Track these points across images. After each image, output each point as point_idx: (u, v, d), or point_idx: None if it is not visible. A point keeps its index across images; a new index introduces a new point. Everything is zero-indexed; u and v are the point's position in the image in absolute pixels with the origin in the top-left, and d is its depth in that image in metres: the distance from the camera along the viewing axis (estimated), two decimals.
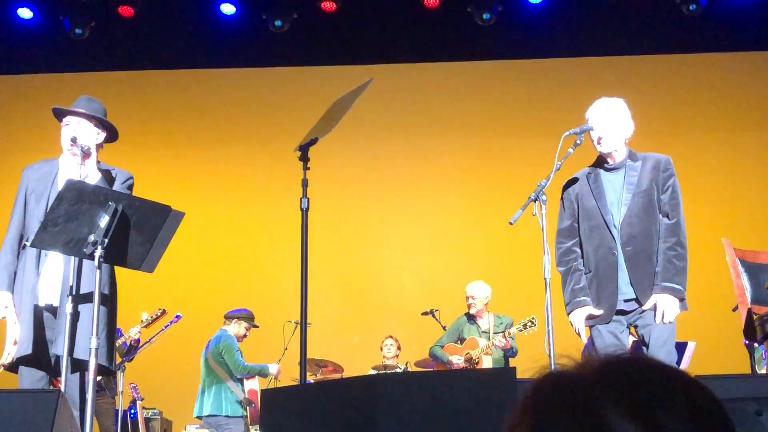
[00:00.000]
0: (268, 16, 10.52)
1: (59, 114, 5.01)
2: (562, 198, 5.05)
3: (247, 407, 8.38)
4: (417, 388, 2.86)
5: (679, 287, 4.59)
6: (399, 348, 9.65)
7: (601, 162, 4.94)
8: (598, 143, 4.87)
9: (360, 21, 10.88)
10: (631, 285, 4.67)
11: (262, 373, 8.64)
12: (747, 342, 5.82)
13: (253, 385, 8.65)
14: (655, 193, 4.77)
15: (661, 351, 4.49)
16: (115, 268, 4.82)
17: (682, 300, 4.60)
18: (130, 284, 9.06)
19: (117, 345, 7.95)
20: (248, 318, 8.81)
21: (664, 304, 4.56)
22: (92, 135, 4.95)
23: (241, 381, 8.56)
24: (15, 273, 4.74)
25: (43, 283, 4.66)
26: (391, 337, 9.72)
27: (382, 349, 9.63)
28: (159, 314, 8.43)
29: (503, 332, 8.13)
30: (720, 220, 10.03)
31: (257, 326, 8.89)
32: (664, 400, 1.00)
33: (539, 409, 1.05)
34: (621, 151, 4.88)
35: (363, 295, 11.04)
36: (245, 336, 8.81)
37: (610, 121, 4.83)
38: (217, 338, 8.61)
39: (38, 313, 4.62)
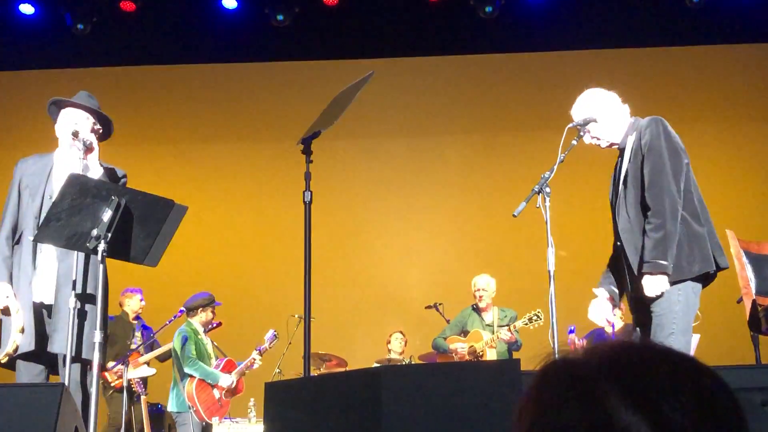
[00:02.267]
0: (269, 11, 10.50)
1: (58, 105, 5.01)
2: None
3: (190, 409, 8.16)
4: (421, 380, 2.85)
5: (658, 261, 4.29)
6: (405, 343, 9.68)
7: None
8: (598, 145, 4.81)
9: (362, 15, 10.86)
10: (628, 274, 4.56)
11: (210, 378, 8.21)
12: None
13: (190, 388, 8.20)
14: (639, 165, 4.53)
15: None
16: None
17: (664, 273, 4.29)
18: (133, 277, 9.07)
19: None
20: (210, 301, 8.51)
21: (645, 285, 4.34)
22: (93, 131, 4.96)
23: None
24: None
25: (37, 280, 4.66)
26: (399, 332, 9.72)
27: (390, 342, 9.60)
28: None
29: (508, 326, 8.13)
30: (724, 212, 10.00)
31: (220, 303, 8.70)
32: (670, 390, 0.97)
33: (543, 396, 1.03)
34: (618, 133, 4.71)
35: (366, 289, 11.04)
36: (212, 319, 8.57)
37: (587, 118, 4.71)
38: (176, 335, 8.49)
39: (35, 310, 4.62)
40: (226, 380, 8.27)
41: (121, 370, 8.39)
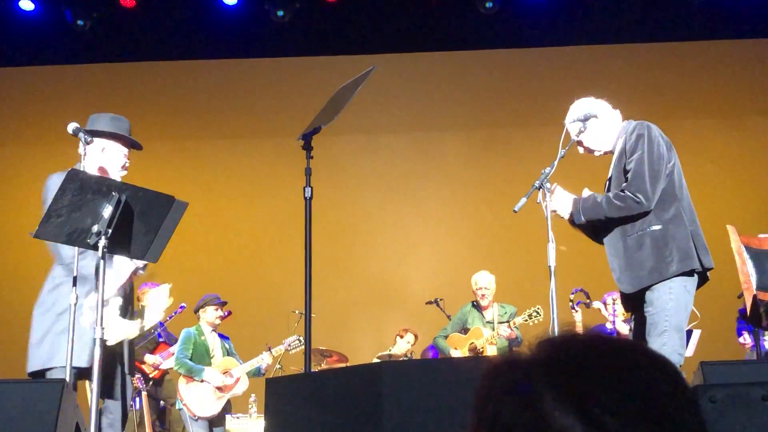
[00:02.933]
0: (269, 7, 10.50)
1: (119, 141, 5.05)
2: None
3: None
4: (421, 375, 2.85)
5: (582, 214, 4.57)
6: (414, 344, 9.59)
7: None
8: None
9: (362, 11, 10.85)
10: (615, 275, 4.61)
11: (195, 374, 8.10)
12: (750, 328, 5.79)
13: (180, 385, 8.19)
14: (622, 168, 4.60)
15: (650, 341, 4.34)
16: None
17: (574, 211, 4.62)
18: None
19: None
20: (211, 301, 8.43)
21: (557, 200, 4.65)
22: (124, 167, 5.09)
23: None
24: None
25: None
26: (413, 333, 9.59)
27: (402, 337, 9.50)
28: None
29: (508, 322, 8.13)
30: (725, 207, 10.01)
31: (225, 302, 8.52)
32: (602, 389, 0.94)
33: (486, 396, 1.01)
34: (609, 139, 4.77)
35: (367, 285, 11.04)
36: (220, 317, 8.42)
37: (588, 113, 4.76)
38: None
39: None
40: (211, 376, 8.12)
41: (159, 361, 8.47)
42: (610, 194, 4.53)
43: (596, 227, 4.67)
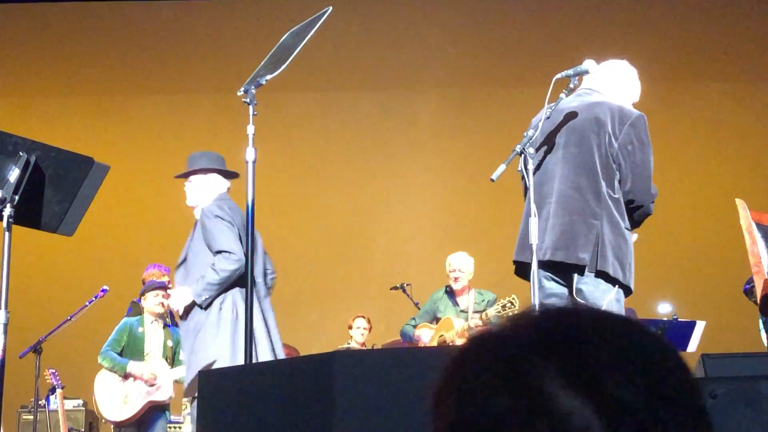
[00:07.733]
0: None
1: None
2: None
3: None
4: (379, 366, 2.86)
5: None
6: (369, 330, 9.54)
7: None
8: None
9: None
10: None
11: (118, 368, 7.86)
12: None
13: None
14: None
15: None
16: None
17: None
18: (49, 250, 8.97)
19: None
20: (151, 286, 8.10)
21: None
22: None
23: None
24: None
25: None
26: (362, 317, 9.55)
27: (351, 328, 9.49)
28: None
29: (481, 313, 8.13)
30: (736, 180, 10.10)
31: (167, 286, 7.98)
32: (614, 363, 0.93)
33: (466, 383, 0.96)
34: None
35: (324, 266, 11.03)
36: (159, 305, 8.03)
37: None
38: None
39: None
40: (138, 368, 7.85)
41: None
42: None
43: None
